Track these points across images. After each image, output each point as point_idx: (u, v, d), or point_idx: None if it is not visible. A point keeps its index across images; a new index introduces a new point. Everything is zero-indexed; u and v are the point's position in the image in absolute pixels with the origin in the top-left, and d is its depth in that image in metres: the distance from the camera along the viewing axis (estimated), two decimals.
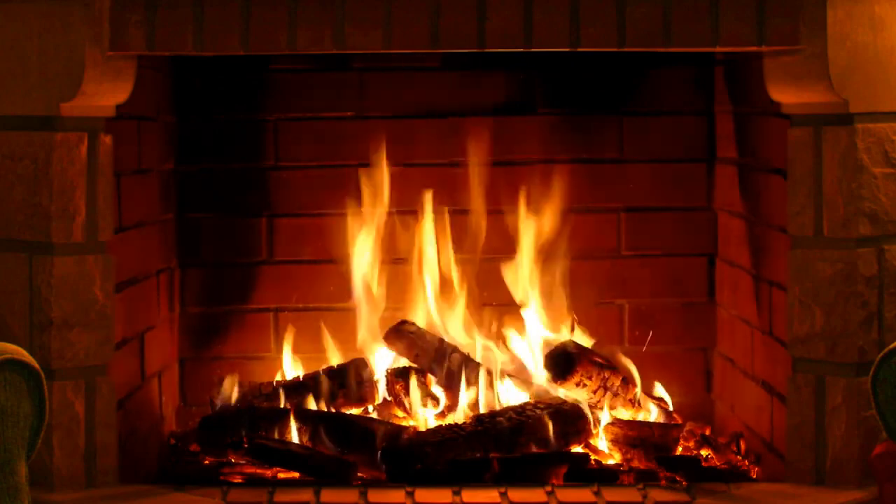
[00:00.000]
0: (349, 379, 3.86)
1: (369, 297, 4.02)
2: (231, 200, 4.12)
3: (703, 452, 3.76)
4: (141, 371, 3.70)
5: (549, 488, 3.36)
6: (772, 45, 3.28)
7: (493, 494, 3.33)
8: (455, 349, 3.88)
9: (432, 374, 3.87)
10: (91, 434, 3.33)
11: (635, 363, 3.89)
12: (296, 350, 4.07)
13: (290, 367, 4.02)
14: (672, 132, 4.15)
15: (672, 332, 4.17)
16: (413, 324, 3.96)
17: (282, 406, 3.76)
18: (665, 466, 3.52)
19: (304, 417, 3.68)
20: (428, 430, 3.64)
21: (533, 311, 3.96)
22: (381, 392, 3.90)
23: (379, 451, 3.52)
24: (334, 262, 4.05)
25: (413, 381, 3.83)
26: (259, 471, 3.58)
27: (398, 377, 3.87)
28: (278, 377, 3.99)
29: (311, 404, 3.80)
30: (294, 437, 3.63)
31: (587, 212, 4.12)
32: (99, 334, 3.33)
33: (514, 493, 3.33)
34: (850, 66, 3.28)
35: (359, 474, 3.50)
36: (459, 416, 3.77)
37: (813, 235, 3.35)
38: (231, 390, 3.86)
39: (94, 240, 3.33)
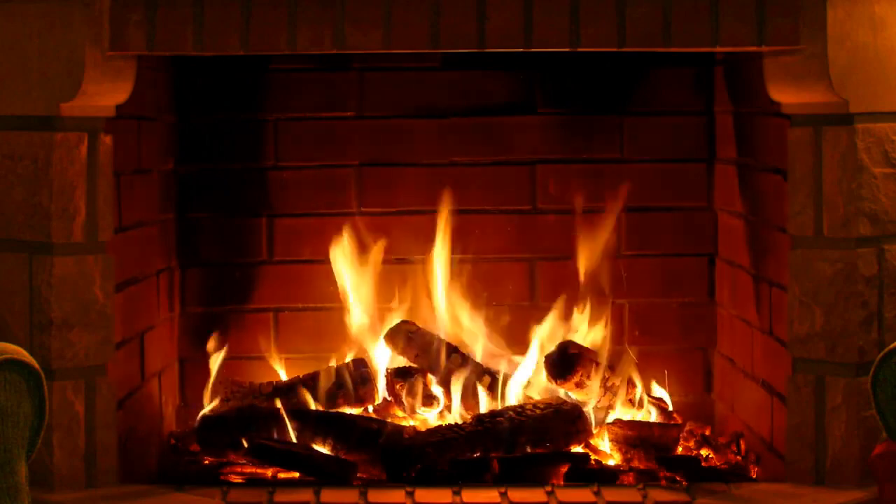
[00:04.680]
0: (349, 379, 3.86)
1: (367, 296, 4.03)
2: (231, 200, 4.12)
3: (703, 452, 3.77)
4: (141, 371, 3.70)
5: (549, 488, 3.36)
6: (772, 45, 3.28)
7: (493, 494, 3.33)
8: (455, 349, 3.88)
9: (432, 374, 3.87)
10: (91, 434, 3.33)
11: (635, 363, 3.90)
12: (295, 350, 4.07)
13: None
14: (672, 132, 4.15)
15: (672, 332, 4.17)
16: (413, 324, 3.96)
17: (281, 406, 3.76)
18: (665, 466, 3.52)
19: (304, 417, 3.68)
20: (428, 430, 3.64)
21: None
22: (381, 392, 3.90)
23: (378, 451, 3.52)
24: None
25: (413, 381, 3.83)
26: (259, 471, 3.58)
27: (398, 377, 3.87)
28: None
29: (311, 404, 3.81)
30: (292, 437, 3.63)
31: (587, 212, 4.12)
32: (99, 334, 3.33)
33: (514, 493, 3.33)
34: (850, 66, 3.28)
35: (359, 474, 3.50)
36: (459, 416, 3.77)
37: (813, 235, 3.35)
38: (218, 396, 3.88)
39: (94, 240, 3.33)
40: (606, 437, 3.67)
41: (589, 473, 3.48)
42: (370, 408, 3.88)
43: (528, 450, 3.55)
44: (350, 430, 3.62)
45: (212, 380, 3.90)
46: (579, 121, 4.12)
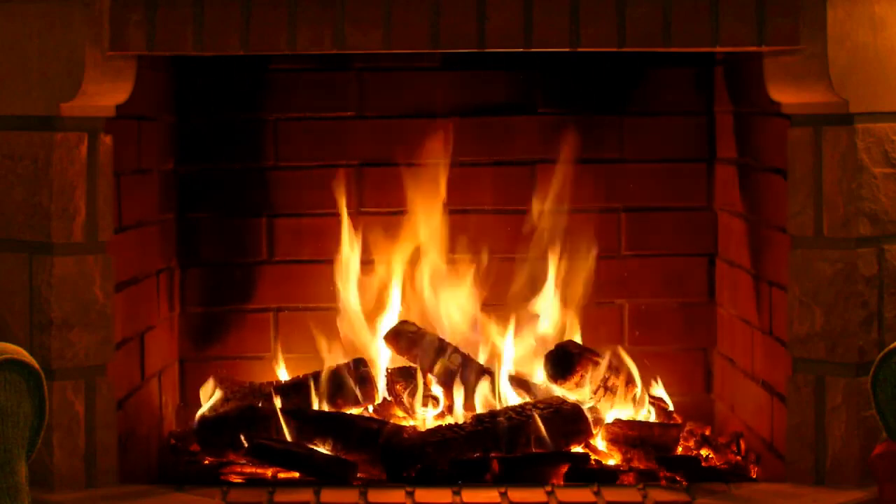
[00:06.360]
0: (349, 379, 3.86)
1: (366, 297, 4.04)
2: (231, 200, 4.12)
3: (703, 452, 3.77)
4: (141, 371, 3.70)
5: (549, 488, 3.36)
6: (772, 45, 3.28)
7: (493, 494, 3.33)
8: (455, 349, 3.88)
9: (432, 374, 3.87)
10: (91, 434, 3.33)
11: (635, 363, 3.90)
12: (295, 350, 4.07)
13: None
14: (672, 132, 4.15)
15: (672, 332, 4.17)
16: (413, 324, 3.96)
17: (281, 406, 3.76)
18: (665, 466, 3.52)
19: (303, 417, 3.68)
20: (428, 430, 3.64)
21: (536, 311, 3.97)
22: (381, 392, 3.90)
23: (378, 451, 3.52)
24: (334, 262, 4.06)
25: (413, 381, 3.83)
26: (259, 471, 3.58)
27: (398, 377, 3.87)
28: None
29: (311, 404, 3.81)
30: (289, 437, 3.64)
31: (587, 212, 4.12)
32: (99, 334, 3.33)
33: (514, 493, 3.33)
34: (850, 66, 3.28)
35: (359, 474, 3.50)
36: (459, 415, 3.77)
37: (813, 235, 3.35)
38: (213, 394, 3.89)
39: (94, 240, 3.33)
40: (606, 436, 3.67)
41: (589, 473, 3.48)
42: (370, 408, 3.88)
43: (534, 448, 3.56)
44: (350, 430, 3.62)
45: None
46: (579, 121, 4.12)
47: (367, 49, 3.28)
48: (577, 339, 3.91)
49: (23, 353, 2.69)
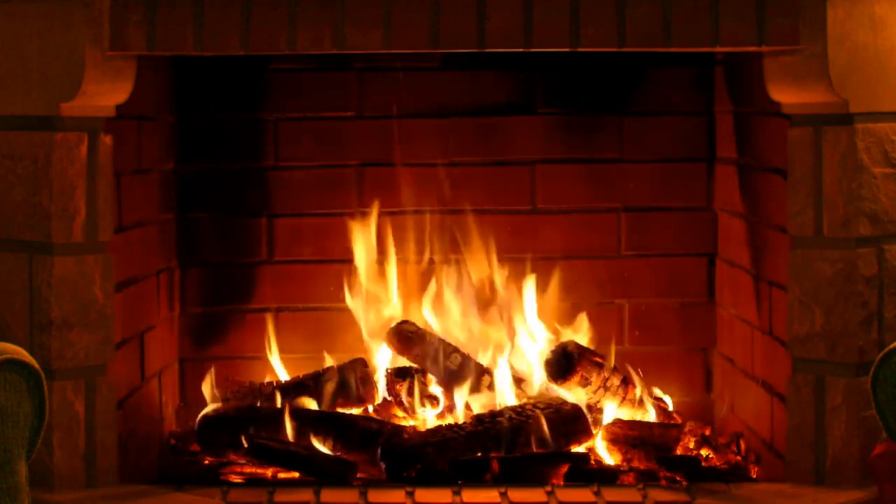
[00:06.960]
0: (349, 379, 3.86)
1: (368, 296, 4.03)
2: (231, 200, 4.12)
3: (703, 452, 3.77)
4: (141, 371, 3.70)
5: (549, 488, 3.36)
6: (772, 45, 3.28)
7: (493, 494, 3.33)
8: (455, 349, 3.88)
9: (432, 374, 3.87)
10: (91, 434, 3.33)
11: (635, 363, 3.90)
12: (295, 350, 4.07)
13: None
14: (672, 132, 4.15)
15: (672, 332, 4.17)
16: (413, 324, 3.96)
17: (281, 406, 3.76)
18: (665, 466, 3.52)
19: (303, 418, 3.68)
20: (428, 430, 3.64)
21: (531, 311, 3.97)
22: (381, 392, 3.90)
23: (378, 451, 3.52)
24: (334, 262, 4.05)
25: (413, 381, 3.83)
26: (259, 471, 3.58)
27: (398, 377, 3.87)
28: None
29: (312, 404, 3.81)
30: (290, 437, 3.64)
31: (587, 212, 4.12)
32: (99, 334, 3.33)
33: (514, 493, 3.33)
34: (850, 66, 3.28)
35: (359, 474, 3.50)
36: (459, 416, 3.77)
37: (813, 235, 3.35)
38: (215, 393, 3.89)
39: (94, 240, 3.33)
40: (606, 436, 3.67)
41: (589, 473, 3.48)
42: (370, 408, 3.88)
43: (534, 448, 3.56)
44: (350, 430, 3.62)
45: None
46: (579, 121, 4.12)
47: (367, 49, 3.28)
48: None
49: (23, 353, 2.69)
